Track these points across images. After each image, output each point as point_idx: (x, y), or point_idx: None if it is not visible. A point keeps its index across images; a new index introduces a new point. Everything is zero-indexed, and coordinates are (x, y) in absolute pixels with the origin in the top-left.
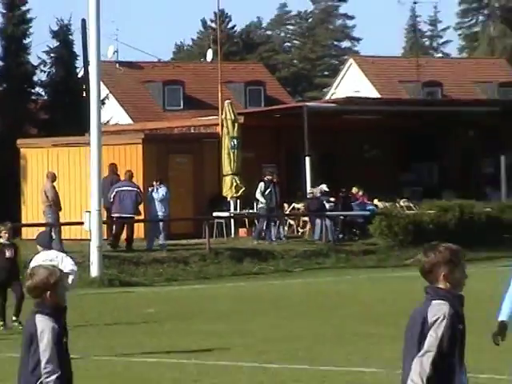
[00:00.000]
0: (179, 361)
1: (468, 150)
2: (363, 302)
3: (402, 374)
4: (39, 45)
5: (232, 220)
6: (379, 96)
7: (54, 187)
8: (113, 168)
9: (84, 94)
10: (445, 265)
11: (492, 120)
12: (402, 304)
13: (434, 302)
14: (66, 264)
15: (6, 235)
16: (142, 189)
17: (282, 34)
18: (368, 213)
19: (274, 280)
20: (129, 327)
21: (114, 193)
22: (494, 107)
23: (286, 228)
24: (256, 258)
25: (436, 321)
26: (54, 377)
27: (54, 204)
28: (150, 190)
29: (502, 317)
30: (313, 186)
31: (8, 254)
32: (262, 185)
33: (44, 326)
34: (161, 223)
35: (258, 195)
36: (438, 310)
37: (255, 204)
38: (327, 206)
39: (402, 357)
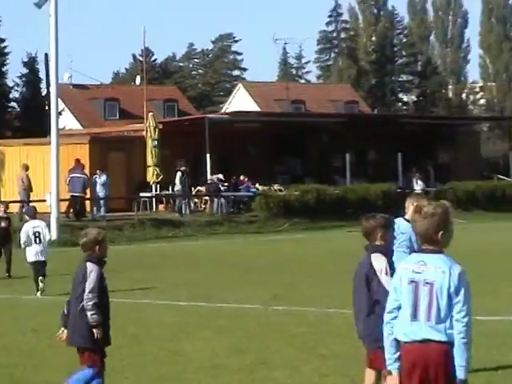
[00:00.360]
0: (113, 300)
1: (323, 149)
2: (247, 258)
3: (353, 308)
4: (14, 72)
5: (154, 199)
6: (260, 110)
7: (27, 175)
8: (77, 162)
9: (46, 108)
10: (381, 228)
11: (340, 128)
12: (274, 258)
13: (373, 254)
14: (45, 230)
15: (2, 209)
16: (88, 176)
17: (191, 65)
18: (251, 194)
19: (184, 242)
20: None
21: (69, 178)
22: (342, 119)
23: (192, 204)
24: (171, 226)
25: (382, 270)
26: (92, 302)
27: (28, 187)
28: (94, 176)
29: None
30: (212, 175)
31: (3, 224)
32: (179, 174)
33: (92, 268)
34: (102, 201)
35: (177, 181)
36: (381, 261)
37: (171, 187)
38: (222, 188)
39: (353, 299)
